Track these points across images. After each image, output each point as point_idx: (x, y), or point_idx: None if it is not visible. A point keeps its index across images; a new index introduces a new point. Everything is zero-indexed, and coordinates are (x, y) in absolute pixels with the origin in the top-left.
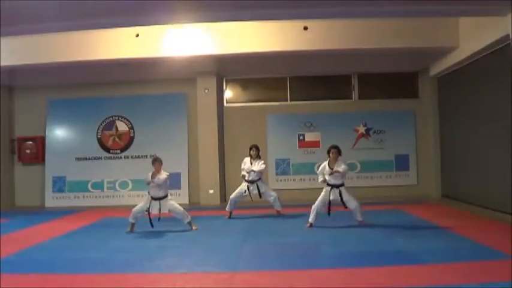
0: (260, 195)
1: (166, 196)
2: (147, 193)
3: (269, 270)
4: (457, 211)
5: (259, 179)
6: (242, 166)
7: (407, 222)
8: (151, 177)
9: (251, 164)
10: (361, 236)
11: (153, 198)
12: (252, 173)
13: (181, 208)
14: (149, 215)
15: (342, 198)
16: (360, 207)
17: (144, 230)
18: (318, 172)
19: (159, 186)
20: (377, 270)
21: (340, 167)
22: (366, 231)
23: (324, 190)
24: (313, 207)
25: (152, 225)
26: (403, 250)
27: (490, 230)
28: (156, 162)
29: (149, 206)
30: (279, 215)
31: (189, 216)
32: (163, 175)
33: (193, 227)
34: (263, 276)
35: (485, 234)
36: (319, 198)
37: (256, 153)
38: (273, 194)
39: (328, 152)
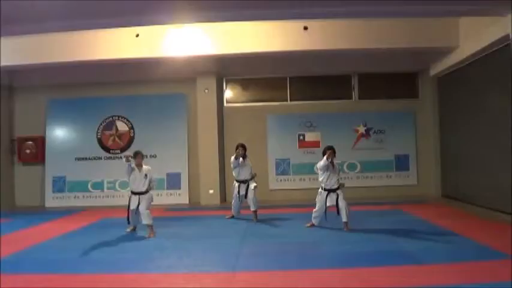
0: (246, 196)
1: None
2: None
3: (269, 270)
4: (457, 211)
5: (252, 178)
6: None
7: (407, 222)
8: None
9: (239, 163)
10: (360, 236)
11: (134, 193)
12: (242, 172)
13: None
14: (128, 211)
15: (337, 204)
16: (348, 208)
17: (144, 230)
18: (319, 168)
19: (144, 179)
20: (377, 270)
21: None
22: (366, 231)
23: (319, 195)
24: (314, 214)
25: (129, 222)
26: (403, 250)
27: (490, 230)
28: (139, 155)
29: (129, 201)
30: (255, 217)
31: (152, 220)
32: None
33: (151, 234)
34: (263, 276)
35: (485, 234)
36: (317, 205)
37: (243, 152)
38: (252, 194)
39: (324, 153)
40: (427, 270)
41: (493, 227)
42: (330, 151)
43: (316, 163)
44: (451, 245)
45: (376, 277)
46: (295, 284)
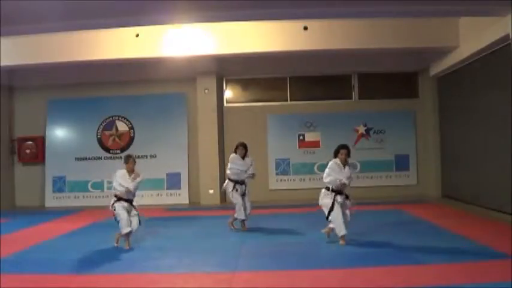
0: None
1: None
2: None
3: (269, 270)
4: (457, 211)
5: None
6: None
7: (407, 222)
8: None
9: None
10: (361, 236)
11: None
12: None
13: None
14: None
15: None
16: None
17: (144, 231)
18: (327, 173)
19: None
20: (377, 270)
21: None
22: (366, 232)
23: (329, 198)
24: (336, 221)
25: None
26: (403, 250)
27: (490, 230)
28: (130, 159)
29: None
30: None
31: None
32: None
33: (127, 242)
34: (263, 276)
35: (485, 234)
36: (335, 210)
37: (244, 151)
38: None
39: (336, 153)
40: (427, 270)
41: (493, 227)
42: (344, 151)
43: (316, 163)
44: (451, 245)
45: (376, 277)
46: (295, 284)
